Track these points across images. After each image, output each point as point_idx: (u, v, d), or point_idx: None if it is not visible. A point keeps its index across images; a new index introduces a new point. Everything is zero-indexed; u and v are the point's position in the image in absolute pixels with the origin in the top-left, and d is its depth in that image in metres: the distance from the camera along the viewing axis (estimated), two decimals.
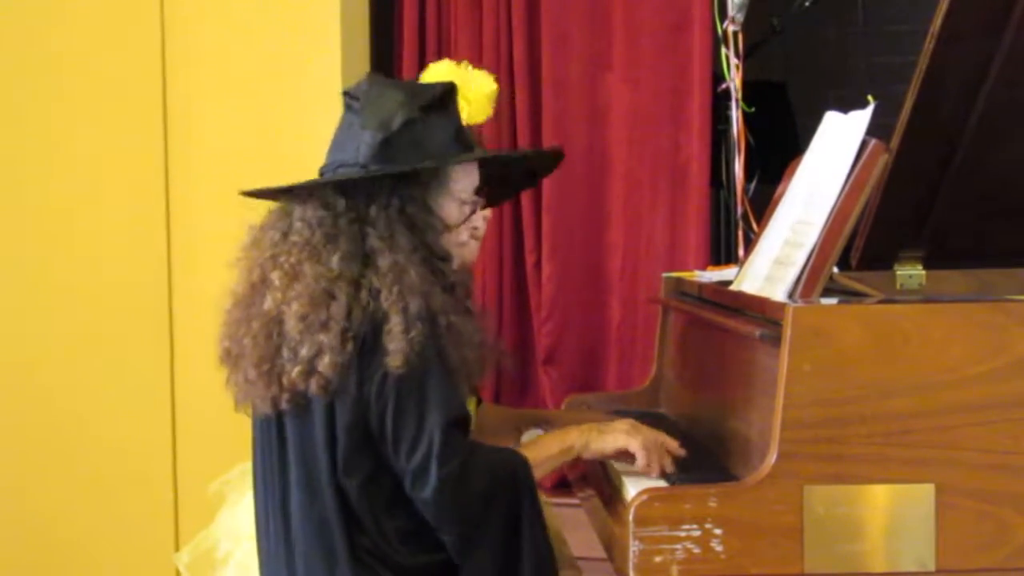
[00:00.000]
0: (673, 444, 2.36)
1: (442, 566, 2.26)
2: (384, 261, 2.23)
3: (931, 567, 2.07)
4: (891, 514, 2.07)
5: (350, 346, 2.19)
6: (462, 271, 2.39)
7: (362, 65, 4.16)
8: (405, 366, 2.17)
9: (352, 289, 2.22)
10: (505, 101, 4.16)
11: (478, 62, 4.14)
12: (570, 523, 3.01)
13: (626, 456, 2.37)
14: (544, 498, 3.00)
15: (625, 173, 4.09)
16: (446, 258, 2.33)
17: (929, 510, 2.07)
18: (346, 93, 2.36)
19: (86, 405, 4.15)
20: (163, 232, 4.12)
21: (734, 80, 3.69)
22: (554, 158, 2.66)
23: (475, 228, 2.40)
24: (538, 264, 4.17)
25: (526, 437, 2.76)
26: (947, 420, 2.07)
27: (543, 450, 2.35)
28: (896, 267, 2.48)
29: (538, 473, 2.30)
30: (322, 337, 2.20)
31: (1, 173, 4.19)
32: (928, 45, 2.23)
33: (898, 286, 2.47)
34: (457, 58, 4.15)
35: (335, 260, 2.23)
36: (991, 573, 2.08)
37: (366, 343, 2.20)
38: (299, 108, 3.93)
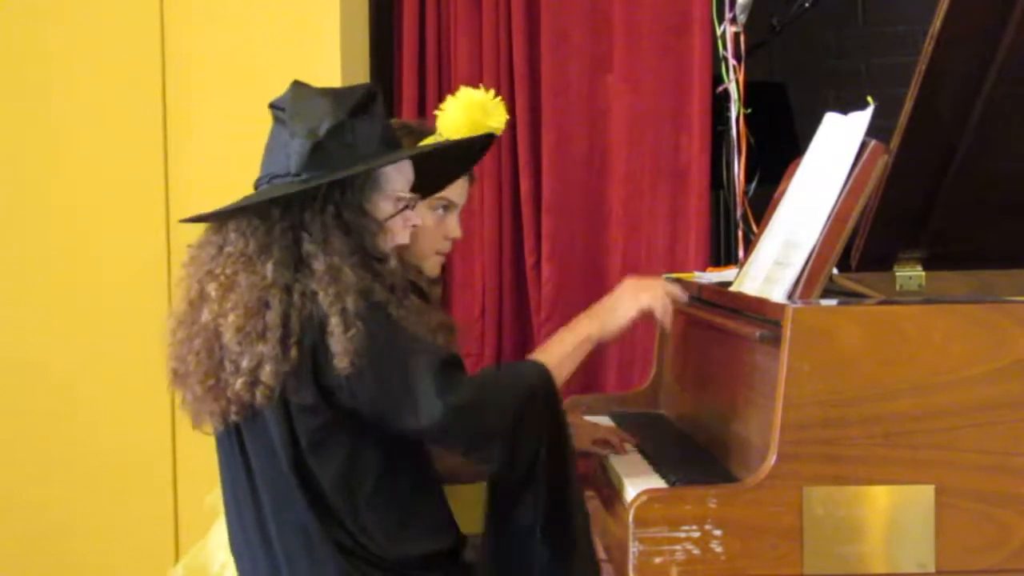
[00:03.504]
0: (675, 290, 2.43)
1: (427, 557, 2.27)
2: (319, 264, 2.22)
3: (931, 568, 2.07)
4: (891, 515, 2.07)
5: (294, 353, 2.18)
6: (410, 273, 2.38)
7: (362, 65, 4.16)
8: (350, 366, 2.16)
9: (285, 295, 2.21)
10: (505, 102, 4.16)
11: (478, 63, 4.18)
12: None
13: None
14: None
15: (625, 174, 4.08)
16: (383, 259, 2.32)
17: (929, 511, 2.07)
18: (272, 105, 2.35)
19: (85, 408, 4.15)
20: (163, 232, 4.12)
21: (733, 82, 3.69)
22: (482, 143, 2.62)
23: (414, 225, 2.38)
24: (538, 265, 4.17)
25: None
26: (947, 421, 2.07)
27: (558, 349, 2.35)
28: (896, 268, 2.48)
29: (562, 373, 2.31)
30: (261, 347, 2.19)
31: (1, 173, 4.19)
32: (928, 46, 2.23)
33: (898, 287, 2.47)
34: (457, 59, 4.19)
35: (269, 268, 2.22)
36: (991, 574, 2.08)
37: (316, 350, 2.19)
38: None
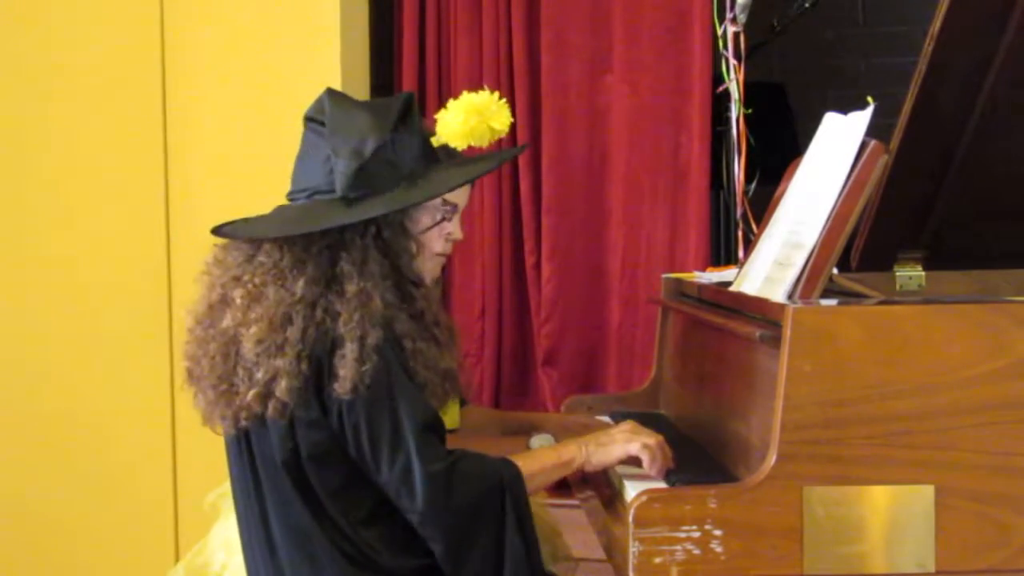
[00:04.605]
0: (669, 454, 2.35)
1: (430, 569, 2.26)
2: (351, 287, 2.21)
3: (931, 568, 2.07)
4: (891, 515, 2.07)
5: (304, 366, 2.19)
6: (431, 294, 2.36)
7: (362, 65, 4.16)
8: (352, 393, 2.16)
9: (309, 311, 2.20)
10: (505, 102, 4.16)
11: (478, 63, 4.18)
12: (570, 524, 3.01)
13: (630, 461, 2.37)
14: (541, 499, 3.00)
15: (625, 174, 4.09)
16: (418, 283, 2.32)
17: (929, 511, 2.07)
18: (308, 117, 2.33)
19: (85, 408, 4.15)
20: (163, 232, 4.12)
21: (733, 81, 3.69)
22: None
23: (448, 233, 2.38)
24: (538, 265, 4.17)
25: (535, 442, 2.74)
26: (947, 421, 2.07)
27: (537, 462, 2.32)
28: (896, 268, 2.48)
29: (532, 486, 2.28)
30: (278, 362, 2.18)
31: (1, 173, 4.19)
32: (928, 46, 2.23)
33: (898, 287, 2.47)
34: (457, 59, 4.19)
35: (300, 285, 2.22)
36: (991, 574, 2.08)
37: (322, 365, 2.19)
38: (299, 108, 3.90)
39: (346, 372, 2.16)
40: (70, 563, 4.15)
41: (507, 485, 2.23)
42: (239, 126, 4.04)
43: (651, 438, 2.33)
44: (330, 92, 2.35)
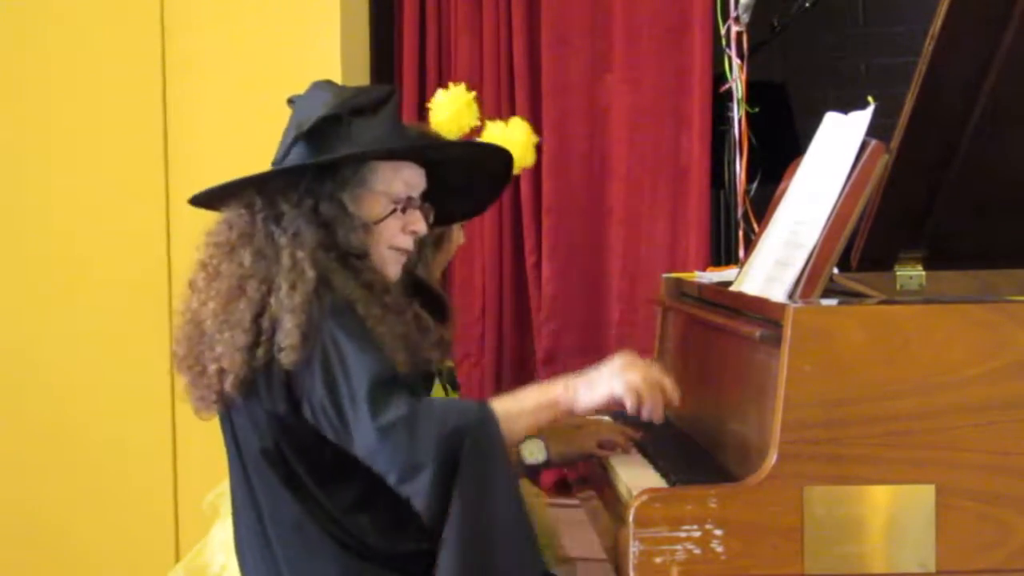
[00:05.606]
0: (669, 384, 2.26)
1: (424, 553, 2.25)
2: (287, 259, 2.21)
3: (931, 568, 2.07)
4: (891, 515, 2.07)
5: (261, 352, 2.17)
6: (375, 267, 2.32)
7: (362, 65, 4.16)
8: (296, 355, 2.13)
9: (264, 287, 2.21)
10: (505, 103, 4.16)
11: (478, 63, 4.18)
12: (570, 524, 3.01)
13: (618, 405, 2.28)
14: (544, 499, 2.99)
15: (625, 174, 4.09)
16: (363, 255, 2.29)
17: (929, 511, 2.07)
18: (288, 99, 2.38)
19: (85, 409, 4.15)
20: (163, 232, 4.12)
21: (737, 80, 3.69)
22: (493, 154, 2.49)
23: (414, 231, 2.34)
24: (538, 264, 4.17)
25: (525, 448, 2.61)
26: (947, 421, 2.07)
27: (518, 402, 2.23)
28: (896, 268, 2.48)
29: (517, 426, 2.20)
30: (230, 335, 2.20)
31: (1, 173, 4.19)
32: (928, 46, 2.23)
33: (898, 287, 2.46)
34: (457, 59, 4.19)
35: (247, 256, 2.23)
36: (992, 574, 2.08)
37: (273, 341, 2.17)
38: None
39: (287, 340, 2.15)
40: (70, 563, 4.15)
41: (469, 429, 2.12)
42: (239, 126, 4.04)
43: (639, 374, 2.24)
44: (317, 81, 2.38)
